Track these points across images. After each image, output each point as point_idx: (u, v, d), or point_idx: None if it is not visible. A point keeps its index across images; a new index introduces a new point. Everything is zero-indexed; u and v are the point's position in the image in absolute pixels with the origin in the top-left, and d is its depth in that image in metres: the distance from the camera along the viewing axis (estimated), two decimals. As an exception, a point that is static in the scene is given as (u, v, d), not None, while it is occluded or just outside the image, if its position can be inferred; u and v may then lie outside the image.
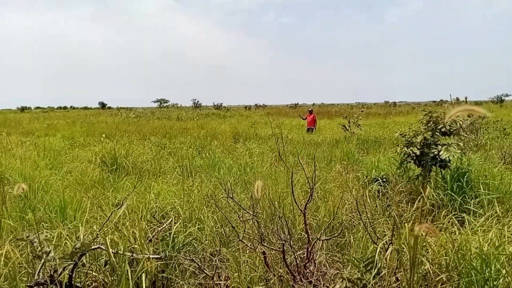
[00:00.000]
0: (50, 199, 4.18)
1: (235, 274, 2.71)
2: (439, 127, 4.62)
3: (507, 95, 54.79)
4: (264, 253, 2.72)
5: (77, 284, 2.51)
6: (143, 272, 2.49)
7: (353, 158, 7.45)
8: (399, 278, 2.45)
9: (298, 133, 14.06)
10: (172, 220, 3.31)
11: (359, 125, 12.30)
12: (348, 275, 2.45)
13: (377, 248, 2.49)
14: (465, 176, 4.41)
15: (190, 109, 48.06)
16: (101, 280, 2.55)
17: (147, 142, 11.22)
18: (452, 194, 4.23)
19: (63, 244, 2.96)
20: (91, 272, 2.63)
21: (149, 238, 2.96)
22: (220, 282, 2.81)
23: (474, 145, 8.15)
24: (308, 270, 2.72)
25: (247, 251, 2.97)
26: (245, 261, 2.86)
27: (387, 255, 2.48)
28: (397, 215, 3.45)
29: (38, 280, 2.31)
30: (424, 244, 2.73)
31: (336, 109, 38.32)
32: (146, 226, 3.30)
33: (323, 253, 3.02)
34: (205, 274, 2.77)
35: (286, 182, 4.70)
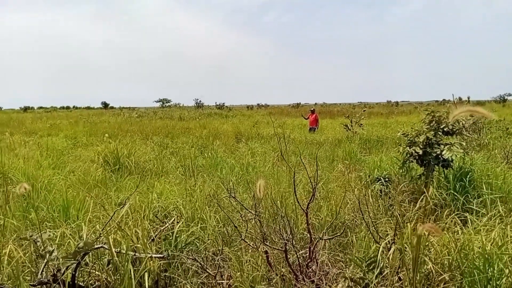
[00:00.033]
0: (53, 199, 4.19)
1: (238, 273, 2.71)
2: (441, 127, 4.61)
3: (509, 95, 54.54)
4: (266, 252, 2.72)
5: (80, 283, 2.52)
6: (145, 271, 2.50)
7: (355, 157, 7.45)
8: (401, 278, 2.45)
9: (300, 133, 14.03)
10: (174, 219, 3.32)
11: (361, 124, 12.27)
12: (350, 275, 2.45)
13: (379, 247, 2.49)
14: (468, 176, 4.40)
15: (192, 109, 48.11)
16: (104, 279, 2.56)
17: (149, 142, 11.25)
18: (455, 193, 4.22)
19: (66, 243, 2.97)
20: (94, 271, 2.64)
21: (152, 238, 2.97)
22: (223, 281, 2.82)
23: (476, 144, 8.12)
24: (310, 269, 2.72)
25: (250, 251, 2.97)
26: (248, 261, 2.86)
27: (390, 255, 2.48)
28: (399, 214, 3.44)
29: (41, 279, 2.32)
30: (427, 243, 2.72)
31: (338, 109, 38.25)
32: (149, 225, 3.31)
33: (325, 253, 3.02)
34: (207, 273, 2.78)
35: (288, 181, 4.70)
